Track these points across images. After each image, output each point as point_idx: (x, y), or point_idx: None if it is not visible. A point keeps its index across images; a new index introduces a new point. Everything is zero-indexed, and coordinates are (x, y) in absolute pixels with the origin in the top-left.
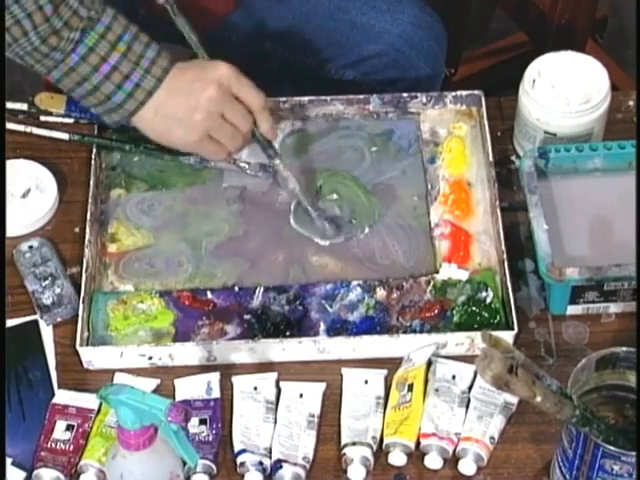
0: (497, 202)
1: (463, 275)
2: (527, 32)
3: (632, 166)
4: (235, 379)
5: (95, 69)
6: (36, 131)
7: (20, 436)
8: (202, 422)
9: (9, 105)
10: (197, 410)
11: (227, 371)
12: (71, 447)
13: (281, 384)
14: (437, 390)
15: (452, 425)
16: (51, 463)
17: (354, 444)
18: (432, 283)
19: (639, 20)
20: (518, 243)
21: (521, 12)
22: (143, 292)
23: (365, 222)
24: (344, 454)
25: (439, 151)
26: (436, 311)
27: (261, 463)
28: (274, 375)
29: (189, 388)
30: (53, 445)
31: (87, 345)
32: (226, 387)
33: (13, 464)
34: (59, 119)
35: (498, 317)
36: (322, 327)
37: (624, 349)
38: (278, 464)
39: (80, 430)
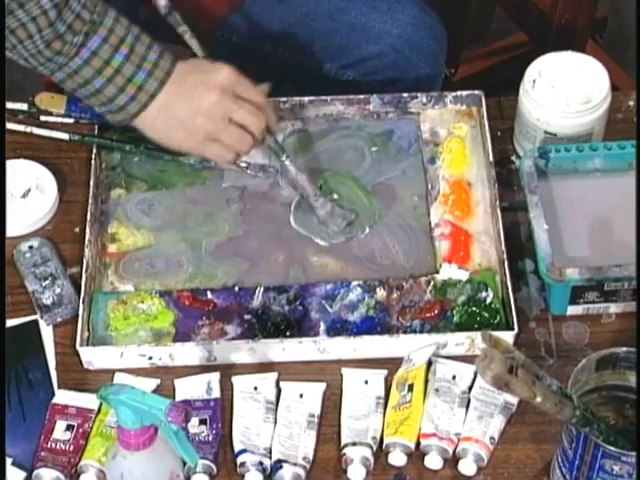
0: (497, 202)
1: (463, 275)
2: (527, 32)
3: (632, 166)
4: (235, 379)
5: (98, 72)
6: (36, 131)
7: (20, 436)
8: (202, 422)
9: (9, 105)
10: (197, 410)
11: (227, 371)
12: (71, 447)
13: (281, 384)
14: (437, 390)
15: (452, 425)
16: (51, 463)
17: (354, 444)
18: (432, 283)
19: (639, 20)
20: (518, 243)
21: (521, 12)
22: (143, 292)
23: (365, 222)
24: (344, 454)
25: (439, 151)
26: (436, 311)
27: (261, 463)
28: (274, 375)
29: (189, 388)
30: (53, 445)
31: (87, 345)
32: (226, 387)
33: (13, 464)
34: (59, 119)
35: (498, 317)
36: (322, 327)
37: (624, 349)
38: (278, 464)
39: (80, 430)
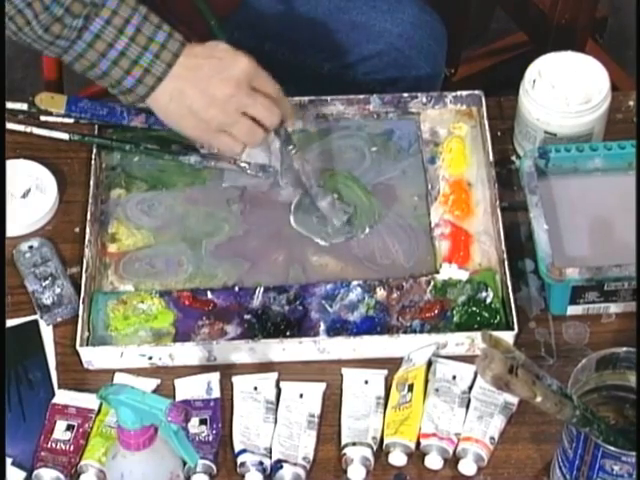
0: (497, 202)
1: (463, 275)
2: (527, 32)
3: (632, 166)
4: (235, 379)
5: (103, 55)
6: (36, 131)
7: (20, 436)
8: (202, 422)
9: (9, 105)
10: (197, 410)
11: (227, 371)
12: (71, 447)
13: (281, 384)
14: (437, 390)
15: (452, 425)
16: (51, 463)
17: (354, 444)
18: (432, 283)
19: (639, 20)
20: (518, 243)
21: (521, 12)
22: (143, 292)
23: (365, 222)
24: (344, 454)
25: (439, 151)
26: (436, 311)
27: (261, 463)
28: (274, 375)
29: (189, 388)
30: (53, 445)
31: (87, 345)
32: (226, 387)
33: (13, 464)
34: (59, 119)
35: (498, 317)
36: (322, 327)
37: (624, 349)
38: (278, 464)
39: (80, 430)
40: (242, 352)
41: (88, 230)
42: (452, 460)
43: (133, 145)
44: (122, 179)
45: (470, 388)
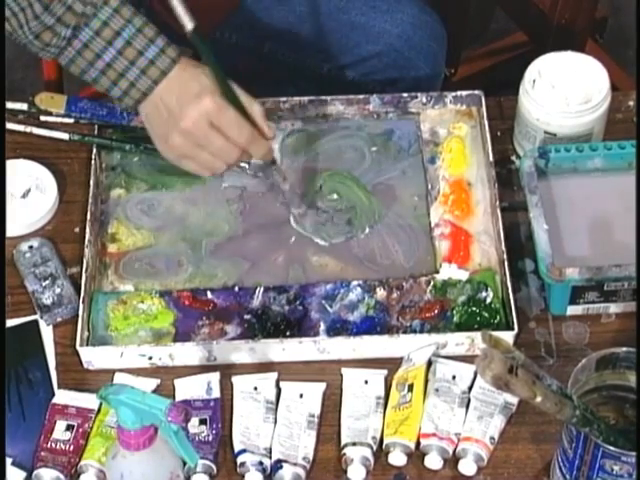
0: (497, 202)
1: (463, 275)
2: (527, 32)
3: (632, 166)
4: (235, 379)
5: (91, 64)
6: (36, 131)
7: (20, 436)
8: (202, 422)
9: (9, 105)
10: (197, 410)
11: (227, 371)
12: (71, 447)
13: (281, 384)
14: (437, 390)
15: (452, 425)
16: (51, 463)
17: (354, 444)
18: (432, 283)
19: (639, 20)
20: (518, 243)
21: (521, 12)
22: (143, 292)
23: (365, 222)
24: (344, 454)
25: (439, 151)
26: (436, 311)
27: (261, 463)
28: (274, 375)
29: (189, 388)
30: (53, 445)
31: (87, 345)
32: (226, 387)
33: (13, 464)
34: (59, 119)
35: (498, 317)
36: (322, 327)
37: (624, 349)
38: (278, 464)
39: (80, 430)
40: (242, 352)
41: (88, 230)
42: (452, 460)
43: (133, 145)
44: (122, 179)
45: (470, 388)
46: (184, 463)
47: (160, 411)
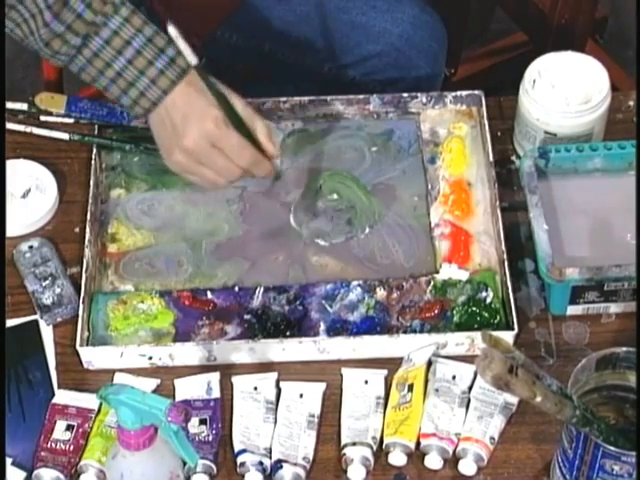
0: (497, 202)
1: (463, 275)
2: (527, 32)
3: (632, 166)
4: (235, 379)
5: (101, 73)
6: (36, 131)
7: (20, 436)
8: (202, 422)
9: (9, 105)
10: (197, 410)
11: (227, 371)
12: (71, 447)
13: (281, 384)
14: (437, 390)
15: (452, 425)
16: (51, 463)
17: (354, 444)
18: (432, 283)
19: (639, 20)
20: (518, 243)
21: (521, 12)
22: (143, 292)
23: (365, 222)
24: (344, 454)
25: (439, 151)
26: (436, 311)
27: (261, 463)
28: (274, 375)
29: (189, 388)
30: (53, 445)
31: (87, 345)
32: (226, 387)
33: (13, 464)
34: (59, 119)
35: (498, 317)
36: (322, 327)
37: (624, 349)
38: (278, 464)
39: (80, 430)
40: (242, 352)
41: (88, 230)
42: (452, 460)
43: (133, 145)
44: (122, 179)
45: (470, 388)
46: (184, 463)
47: (160, 411)
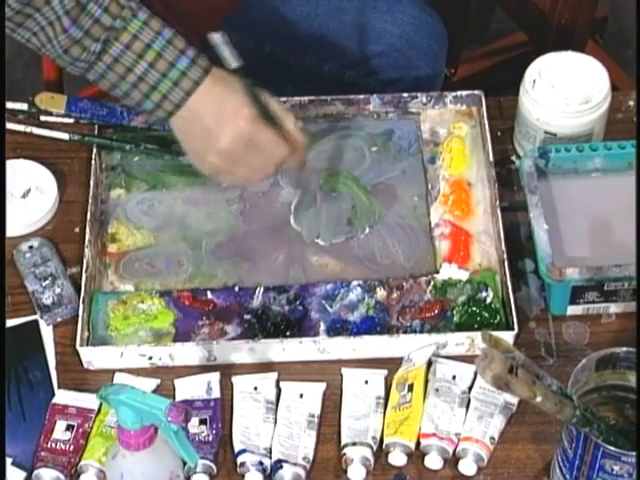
0: (497, 202)
1: (463, 275)
2: (527, 32)
3: (632, 166)
4: (235, 379)
5: (122, 78)
6: (36, 131)
7: (20, 436)
8: (202, 422)
9: (9, 105)
10: (197, 410)
11: (227, 371)
12: (71, 447)
13: (281, 384)
14: (437, 390)
15: (452, 425)
16: (51, 463)
17: (354, 444)
18: (432, 283)
19: (639, 20)
20: (518, 243)
21: (521, 12)
22: (143, 292)
23: (365, 222)
24: (344, 454)
25: (439, 151)
26: (436, 311)
27: (261, 463)
28: (274, 375)
29: (189, 388)
30: (53, 445)
31: (87, 345)
32: (226, 387)
33: (13, 464)
34: (59, 119)
35: (498, 317)
36: (322, 327)
37: (624, 349)
38: (278, 464)
39: (80, 430)
40: (242, 352)
41: (88, 230)
42: (452, 460)
43: (133, 145)
44: (122, 179)
45: (470, 388)
46: (184, 463)
47: (160, 411)
